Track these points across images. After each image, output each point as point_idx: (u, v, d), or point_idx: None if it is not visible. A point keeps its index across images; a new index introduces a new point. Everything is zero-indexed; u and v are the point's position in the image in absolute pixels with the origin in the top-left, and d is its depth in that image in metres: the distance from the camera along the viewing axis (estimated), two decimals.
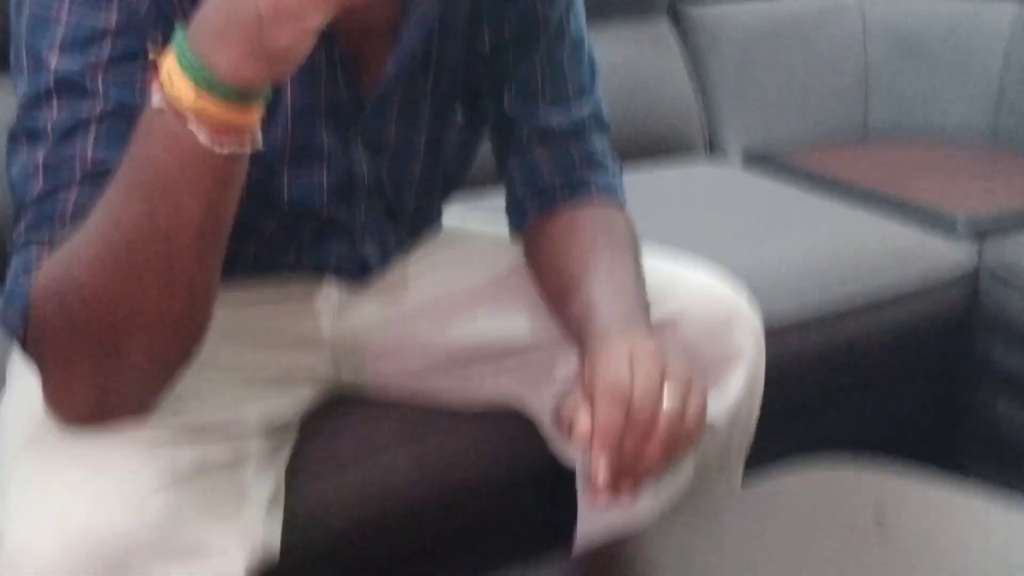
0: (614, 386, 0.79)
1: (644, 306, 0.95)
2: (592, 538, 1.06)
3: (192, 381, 0.84)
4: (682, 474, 1.04)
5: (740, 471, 1.10)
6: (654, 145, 1.93)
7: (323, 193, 0.97)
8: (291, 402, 1.02)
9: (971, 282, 1.60)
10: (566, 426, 0.81)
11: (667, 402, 0.79)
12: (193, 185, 0.73)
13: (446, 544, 1.17)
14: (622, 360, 0.81)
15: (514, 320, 1.07)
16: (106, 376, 0.78)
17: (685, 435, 0.80)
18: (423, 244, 1.13)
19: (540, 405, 1.09)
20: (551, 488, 1.20)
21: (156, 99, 0.71)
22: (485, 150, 1.11)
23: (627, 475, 0.80)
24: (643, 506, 1.05)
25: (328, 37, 0.79)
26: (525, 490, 1.21)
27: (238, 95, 0.70)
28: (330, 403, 1.09)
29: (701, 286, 1.07)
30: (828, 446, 1.29)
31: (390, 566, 1.13)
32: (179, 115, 0.70)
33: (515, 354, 1.07)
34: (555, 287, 1.01)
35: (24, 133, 0.81)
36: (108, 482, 0.77)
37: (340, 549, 1.08)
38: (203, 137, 0.71)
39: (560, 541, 1.12)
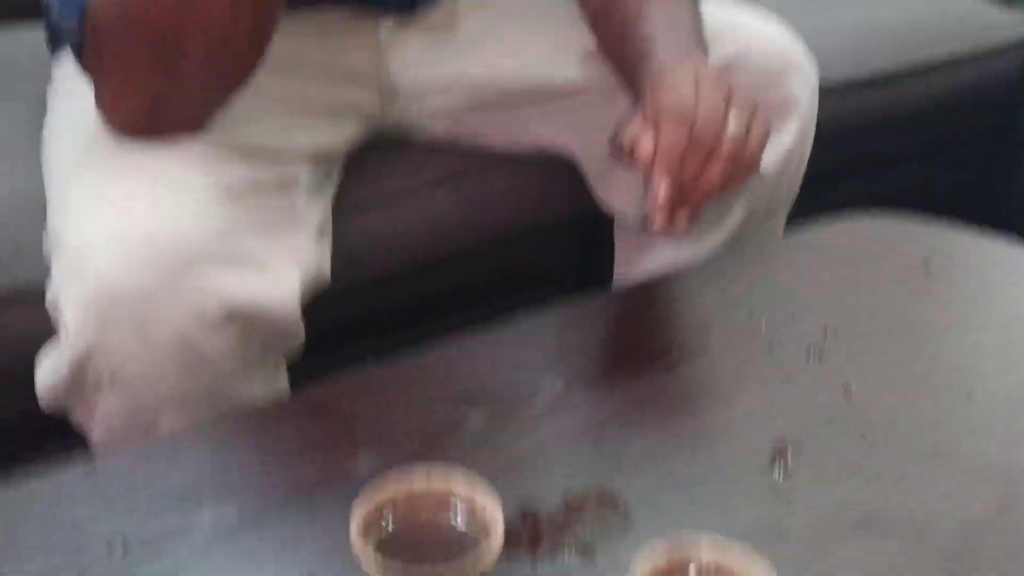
0: (678, 106, 0.77)
1: (703, 45, 0.92)
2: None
3: (243, 107, 0.83)
4: (728, 219, 1.04)
5: (783, 221, 1.10)
6: None
7: None
8: (338, 134, 1.00)
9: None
10: (627, 150, 0.79)
11: (731, 126, 0.78)
12: None
13: (484, 286, 1.18)
14: (687, 82, 0.79)
15: (565, 62, 1.03)
16: (162, 83, 0.76)
17: (746, 161, 0.79)
18: None
19: (585, 151, 1.07)
20: (590, 236, 1.21)
21: None
22: None
23: (686, 198, 0.79)
24: (683, 252, 1.05)
25: None
26: (564, 237, 1.21)
27: None
28: (376, 145, 1.07)
29: (760, 32, 1.03)
30: (871, 208, 1.28)
31: (430, 305, 1.15)
32: None
33: (564, 98, 1.05)
34: (610, 29, 0.97)
35: None
36: (166, 191, 0.77)
37: (382, 284, 1.09)
38: None
39: (596, 289, 1.13)
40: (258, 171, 0.85)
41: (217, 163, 0.81)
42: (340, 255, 0.97)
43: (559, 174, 1.12)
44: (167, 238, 0.74)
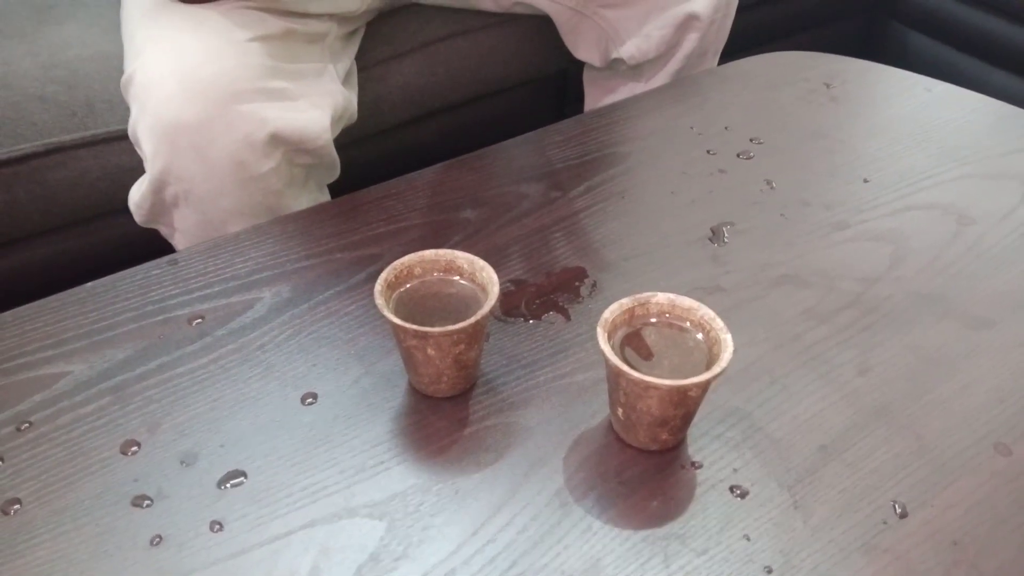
0: None
1: None
2: None
3: None
4: (670, 64, 0.95)
5: (716, 62, 1.01)
6: None
7: None
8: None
9: None
10: None
11: None
12: None
13: (480, 131, 1.10)
14: None
15: None
16: None
17: None
18: None
19: (557, 11, 0.98)
20: (564, 87, 1.13)
21: None
22: None
23: None
24: (637, 91, 0.97)
25: None
26: (544, 87, 1.12)
27: None
28: (391, 12, 0.98)
29: None
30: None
31: (436, 147, 1.07)
32: None
33: None
34: None
35: None
36: (212, 39, 0.68)
37: (399, 129, 1.01)
38: None
39: None
40: (291, 22, 0.76)
41: (255, 19, 0.73)
42: (366, 104, 0.89)
43: (539, 34, 1.03)
44: (213, 75, 0.66)
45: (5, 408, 0.53)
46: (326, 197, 0.82)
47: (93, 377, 0.56)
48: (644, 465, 0.51)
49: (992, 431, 0.53)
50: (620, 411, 0.51)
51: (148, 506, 0.49)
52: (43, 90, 0.84)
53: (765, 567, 0.47)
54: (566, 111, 1.14)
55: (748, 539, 0.48)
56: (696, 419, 0.53)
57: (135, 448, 0.52)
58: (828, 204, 0.71)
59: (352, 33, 0.88)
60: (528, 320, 0.60)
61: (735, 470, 0.51)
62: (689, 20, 0.90)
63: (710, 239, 0.68)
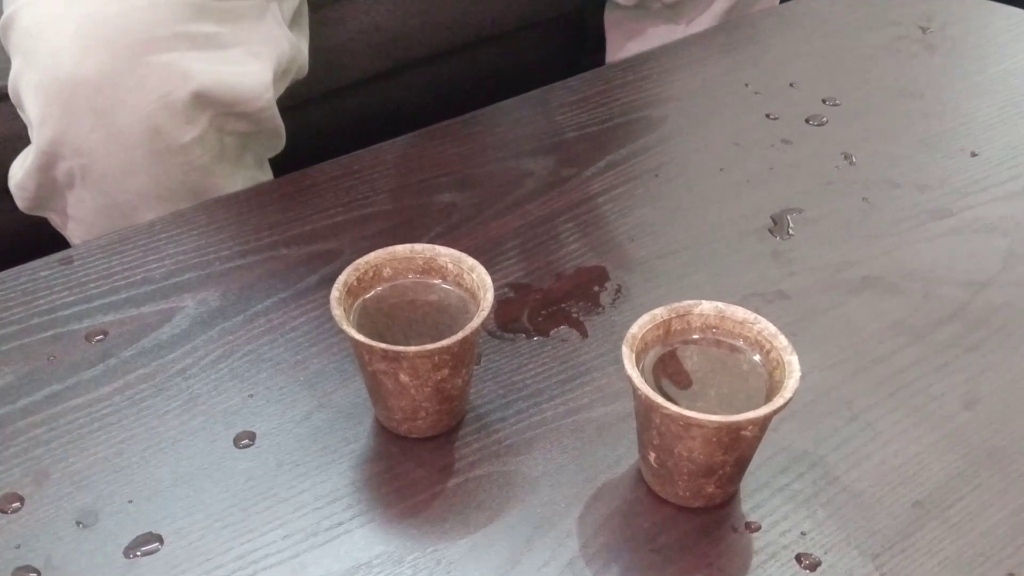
0: None
1: None
2: None
3: None
4: (720, 0, 0.96)
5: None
6: None
7: None
8: None
9: None
10: None
11: None
12: None
13: (473, 86, 1.11)
14: None
15: None
16: None
17: None
18: None
19: None
20: (581, 32, 1.13)
21: None
22: None
23: None
24: (673, 37, 0.98)
25: None
26: (555, 32, 1.14)
27: None
28: None
29: None
30: None
31: (418, 103, 1.08)
32: None
33: None
34: None
35: None
36: None
37: (366, 84, 1.02)
38: None
39: None
40: None
41: None
42: (319, 54, 0.90)
43: None
44: (121, 17, 0.67)
45: None
46: (268, 175, 0.83)
47: None
48: (685, 527, 0.51)
49: None
50: (653, 456, 0.51)
51: None
52: None
53: None
54: (583, 63, 1.16)
55: None
56: (752, 467, 0.53)
57: (17, 504, 0.52)
58: (923, 185, 0.72)
59: None
60: (532, 337, 0.61)
61: (803, 533, 0.51)
62: None
63: (771, 231, 0.68)
